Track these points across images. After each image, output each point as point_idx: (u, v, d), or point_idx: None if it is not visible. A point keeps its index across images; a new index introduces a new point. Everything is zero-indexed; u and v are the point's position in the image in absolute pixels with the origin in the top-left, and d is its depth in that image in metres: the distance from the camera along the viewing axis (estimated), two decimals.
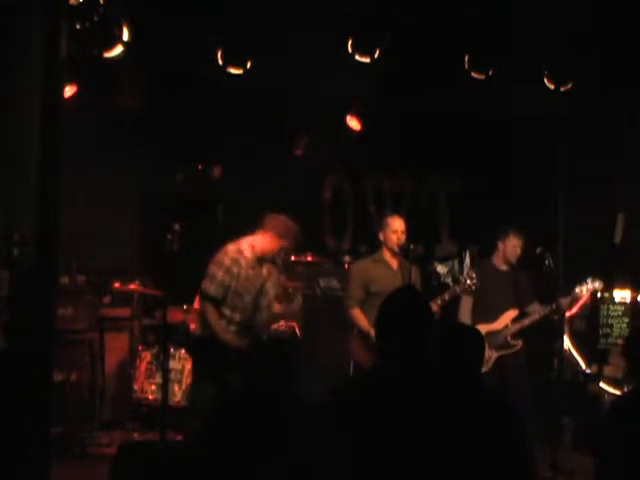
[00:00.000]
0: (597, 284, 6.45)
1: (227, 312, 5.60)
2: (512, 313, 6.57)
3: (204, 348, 5.66)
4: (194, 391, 5.92)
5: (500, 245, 6.66)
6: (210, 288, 5.54)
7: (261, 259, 5.70)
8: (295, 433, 3.45)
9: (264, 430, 3.47)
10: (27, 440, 4.07)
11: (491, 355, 6.42)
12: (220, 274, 5.52)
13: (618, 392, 6.83)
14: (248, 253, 5.61)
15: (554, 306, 6.37)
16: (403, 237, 6.17)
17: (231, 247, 5.61)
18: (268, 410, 3.54)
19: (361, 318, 6.13)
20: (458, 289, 6.29)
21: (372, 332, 5.98)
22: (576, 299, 6.66)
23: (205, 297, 5.57)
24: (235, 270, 5.54)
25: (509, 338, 6.50)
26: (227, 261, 5.54)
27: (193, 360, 6.06)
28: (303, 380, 3.84)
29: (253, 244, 5.63)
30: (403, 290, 3.63)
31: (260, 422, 3.50)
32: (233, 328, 5.64)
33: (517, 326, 6.52)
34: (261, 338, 5.70)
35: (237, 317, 5.64)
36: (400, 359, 3.06)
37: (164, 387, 5.79)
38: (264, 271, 5.74)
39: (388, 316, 3.16)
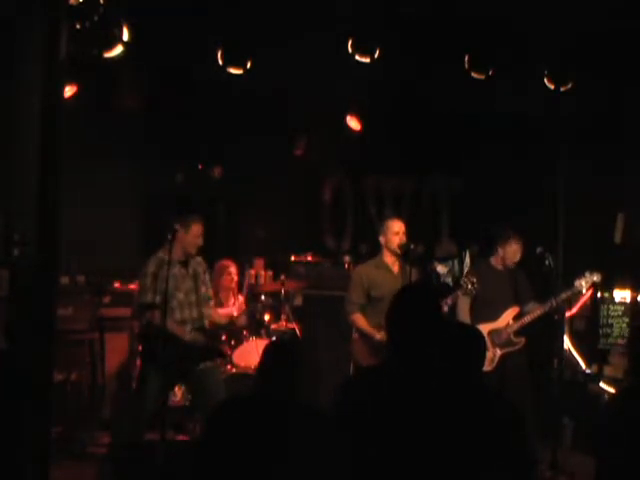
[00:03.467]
0: (596, 277, 6.43)
1: (177, 315, 5.87)
2: (513, 311, 6.59)
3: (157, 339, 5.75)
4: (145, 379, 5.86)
5: (500, 250, 6.66)
6: (146, 297, 5.78)
7: (184, 261, 5.97)
8: (296, 435, 3.45)
9: (265, 432, 3.47)
10: (27, 440, 4.07)
11: (495, 353, 6.44)
12: (148, 281, 5.80)
13: None
14: (167, 257, 5.76)
15: (554, 302, 6.37)
16: (404, 238, 6.27)
17: (151, 258, 5.90)
18: (269, 412, 3.54)
19: (362, 321, 6.23)
20: (460, 293, 6.32)
21: (374, 333, 6.04)
22: (576, 294, 6.65)
23: (148, 307, 5.75)
24: (163, 273, 5.73)
25: (512, 336, 6.51)
26: (151, 267, 5.83)
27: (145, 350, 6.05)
28: (303, 382, 3.82)
29: (168, 248, 5.77)
30: (414, 288, 3.63)
31: (261, 425, 3.49)
32: (189, 327, 5.91)
33: (519, 324, 6.52)
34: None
35: (186, 315, 5.92)
36: (405, 357, 3.06)
37: None
38: (190, 271, 6.02)
39: (397, 313, 3.16)
